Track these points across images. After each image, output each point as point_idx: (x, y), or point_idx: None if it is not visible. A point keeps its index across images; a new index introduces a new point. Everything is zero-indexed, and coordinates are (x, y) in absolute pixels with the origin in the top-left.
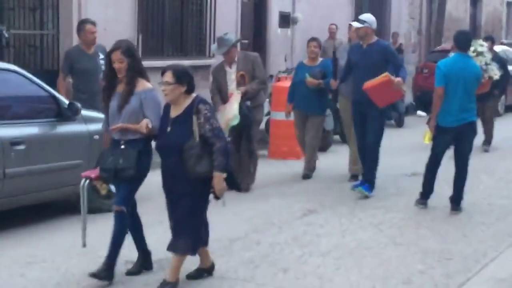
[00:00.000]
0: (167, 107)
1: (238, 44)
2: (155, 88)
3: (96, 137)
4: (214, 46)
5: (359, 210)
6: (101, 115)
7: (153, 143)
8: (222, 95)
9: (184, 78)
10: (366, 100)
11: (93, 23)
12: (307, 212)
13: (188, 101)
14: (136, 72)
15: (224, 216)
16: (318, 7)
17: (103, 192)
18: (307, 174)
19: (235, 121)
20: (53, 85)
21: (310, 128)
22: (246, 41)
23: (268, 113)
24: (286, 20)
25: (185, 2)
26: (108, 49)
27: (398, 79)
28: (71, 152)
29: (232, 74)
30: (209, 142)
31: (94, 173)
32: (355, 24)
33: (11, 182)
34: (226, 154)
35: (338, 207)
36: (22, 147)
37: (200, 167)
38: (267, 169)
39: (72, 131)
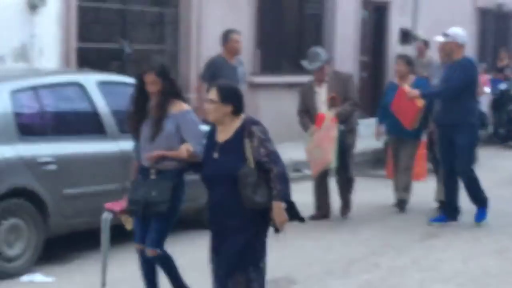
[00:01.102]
0: (212, 132)
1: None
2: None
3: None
4: (305, 62)
5: (483, 235)
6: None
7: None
8: (311, 115)
9: (230, 97)
10: (454, 122)
11: (238, 33)
12: (427, 236)
13: (237, 123)
14: (171, 94)
15: (342, 236)
16: (440, 23)
17: (128, 227)
18: (403, 200)
19: (333, 165)
20: None
21: (405, 154)
22: (365, 59)
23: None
24: (407, 37)
25: (304, 18)
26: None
27: (413, 90)
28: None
29: (322, 95)
30: (265, 168)
31: (118, 205)
32: (438, 39)
33: None
34: (285, 180)
35: (460, 231)
36: None
37: (259, 196)
38: (384, 190)
39: None
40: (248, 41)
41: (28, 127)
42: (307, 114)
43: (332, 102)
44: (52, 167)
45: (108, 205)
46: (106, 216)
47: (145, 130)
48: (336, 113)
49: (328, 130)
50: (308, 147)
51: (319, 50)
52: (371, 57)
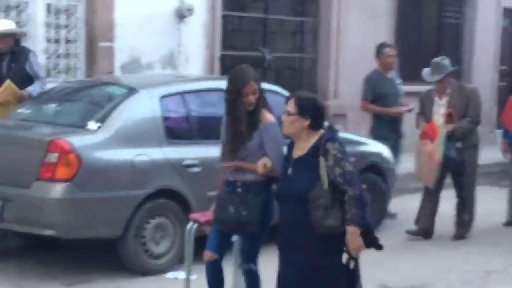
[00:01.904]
0: (291, 146)
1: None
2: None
3: (352, 159)
4: (426, 71)
5: None
6: (358, 138)
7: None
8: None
9: (308, 109)
10: None
11: (391, 47)
12: None
13: (313, 138)
14: (263, 103)
15: (480, 247)
16: None
17: (210, 258)
18: None
19: (431, 186)
20: None
21: None
22: (504, 68)
23: None
24: None
25: (443, 27)
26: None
27: None
28: None
29: (440, 107)
30: (339, 190)
31: (204, 217)
32: None
33: None
34: (361, 204)
35: None
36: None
37: (330, 220)
38: None
39: None
40: None
41: (175, 131)
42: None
43: (449, 119)
44: (196, 169)
45: (193, 215)
46: (191, 227)
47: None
48: (451, 129)
49: (436, 148)
50: (417, 148)
51: (442, 61)
52: (511, 66)
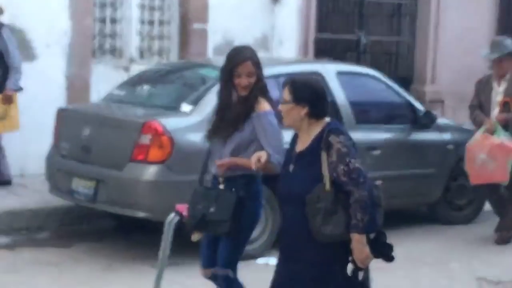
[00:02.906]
0: (294, 140)
1: None
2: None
3: (450, 146)
4: (485, 51)
5: None
6: (456, 125)
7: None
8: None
9: (304, 95)
10: None
11: None
12: None
13: (316, 129)
14: (263, 90)
15: None
16: None
17: (194, 238)
18: None
19: (506, 183)
20: (407, 92)
21: None
22: None
23: None
24: None
25: None
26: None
27: None
28: (424, 160)
29: (498, 94)
30: (344, 191)
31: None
32: None
33: None
34: (368, 208)
35: None
36: (377, 152)
37: (330, 227)
38: None
39: (426, 139)
40: (488, 34)
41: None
42: (480, 109)
43: (505, 108)
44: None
45: (178, 206)
46: (172, 218)
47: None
48: (503, 118)
49: (506, 138)
50: (472, 145)
51: (504, 39)
52: None
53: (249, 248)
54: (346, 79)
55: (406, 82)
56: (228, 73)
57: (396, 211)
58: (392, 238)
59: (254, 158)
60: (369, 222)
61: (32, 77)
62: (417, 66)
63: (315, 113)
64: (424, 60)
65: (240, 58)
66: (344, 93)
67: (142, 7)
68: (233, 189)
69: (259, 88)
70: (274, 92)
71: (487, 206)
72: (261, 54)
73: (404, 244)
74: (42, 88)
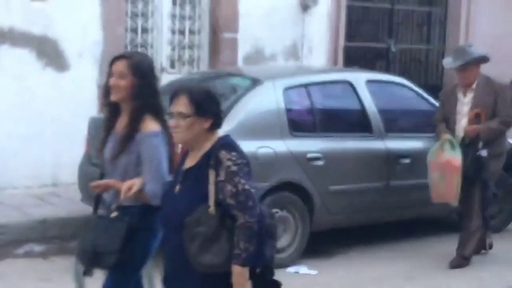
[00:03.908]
0: (184, 158)
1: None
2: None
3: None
4: (448, 59)
5: None
6: None
7: None
8: (450, 130)
9: (208, 107)
10: None
11: None
12: None
13: (208, 144)
14: (146, 103)
15: None
16: None
17: (89, 273)
18: None
19: (455, 204)
20: (437, 99)
21: None
22: None
23: None
24: None
25: None
26: None
27: None
28: None
29: (465, 105)
30: (230, 215)
31: None
32: None
33: (394, 195)
34: (254, 236)
35: None
36: (407, 160)
37: (209, 256)
38: None
39: None
40: None
41: (298, 123)
42: (445, 123)
43: (476, 120)
44: (320, 163)
45: None
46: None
47: (107, 149)
48: (474, 130)
49: (453, 156)
50: (432, 160)
51: (467, 46)
52: None
53: (279, 256)
54: (375, 88)
55: (435, 90)
56: (107, 77)
57: (427, 219)
58: (423, 246)
59: (125, 185)
60: (254, 254)
61: (65, 87)
62: (447, 74)
63: (215, 125)
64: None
65: (116, 57)
66: (373, 101)
67: (173, 16)
68: (126, 218)
69: (145, 104)
70: (304, 101)
71: None
72: (291, 63)
73: (434, 252)
74: (74, 97)
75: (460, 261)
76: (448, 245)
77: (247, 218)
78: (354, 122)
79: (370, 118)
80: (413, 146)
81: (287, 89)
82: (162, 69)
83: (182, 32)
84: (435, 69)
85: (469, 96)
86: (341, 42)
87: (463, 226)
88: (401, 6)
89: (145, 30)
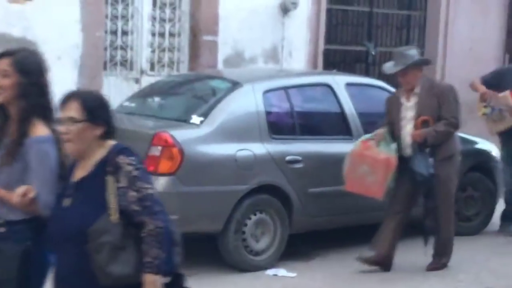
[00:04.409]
0: (71, 169)
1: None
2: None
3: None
4: (389, 63)
5: None
6: (465, 136)
7: None
8: (396, 137)
9: (100, 112)
10: None
11: None
12: None
13: (100, 152)
14: (34, 103)
15: None
16: None
17: None
18: None
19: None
20: None
21: None
22: None
23: None
24: None
25: None
26: None
27: None
28: None
29: (408, 110)
30: (135, 222)
31: None
32: None
33: (365, 199)
34: (165, 242)
35: None
36: None
37: (118, 266)
38: None
39: None
40: (497, 45)
41: (278, 126)
42: (391, 127)
43: (423, 126)
44: (299, 165)
45: None
46: None
47: None
48: (421, 135)
49: (389, 153)
50: (355, 152)
51: (407, 49)
52: None
53: (257, 259)
54: (355, 91)
55: None
56: None
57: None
58: (400, 248)
59: (19, 190)
60: (166, 261)
61: None
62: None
63: (108, 133)
64: (433, 71)
65: (2, 53)
66: (353, 104)
67: (153, 19)
68: (17, 237)
69: (33, 105)
70: (283, 104)
71: (496, 217)
72: (270, 66)
73: (412, 255)
74: (54, 100)
75: (437, 265)
76: (426, 248)
77: (156, 224)
78: (334, 125)
79: (349, 121)
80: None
81: (266, 92)
82: (142, 72)
83: (162, 35)
84: None
85: (413, 100)
86: (321, 45)
87: (436, 231)
88: (381, 10)
89: (125, 33)
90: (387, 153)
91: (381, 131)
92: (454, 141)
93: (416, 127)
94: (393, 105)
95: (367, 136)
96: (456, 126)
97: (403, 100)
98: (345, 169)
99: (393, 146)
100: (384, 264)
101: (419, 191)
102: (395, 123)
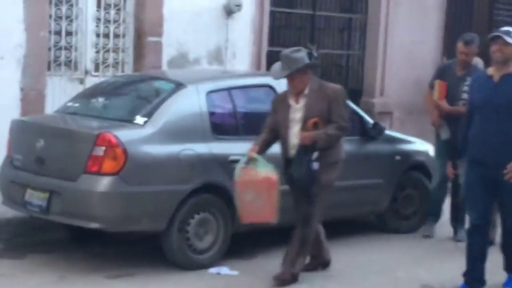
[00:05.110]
0: None
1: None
2: None
3: (398, 157)
4: (275, 66)
5: None
6: (404, 136)
7: None
8: (282, 138)
9: None
10: (501, 163)
11: (467, 43)
12: None
13: None
14: None
15: None
16: None
17: None
18: None
19: (274, 221)
20: (357, 104)
21: None
22: None
23: None
24: None
25: (494, 25)
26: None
27: None
28: (373, 171)
29: (297, 112)
30: None
31: None
32: (507, 39)
33: None
34: None
35: None
36: None
37: None
38: None
39: (375, 150)
40: (435, 48)
41: (221, 126)
42: (274, 133)
43: (314, 128)
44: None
45: None
46: None
47: None
48: (310, 138)
49: (268, 171)
50: (239, 179)
51: (293, 52)
52: None
53: (200, 258)
54: None
55: (356, 94)
56: None
57: (345, 220)
58: (341, 247)
59: None
60: None
61: None
62: (367, 79)
63: None
64: (373, 73)
65: None
66: None
67: (97, 20)
68: None
69: None
70: (227, 105)
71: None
72: (214, 67)
73: (352, 253)
74: None
75: (288, 277)
76: (365, 245)
77: None
78: None
79: None
80: None
81: (210, 92)
82: (87, 72)
83: (106, 35)
84: (355, 74)
85: (302, 102)
86: (264, 46)
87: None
88: (323, 12)
89: (69, 33)
90: (266, 172)
91: (251, 154)
92: (340, 147)
93: (307, 129)
94: (281, 106)
95: (243, 160)
96: (346, 130)
97: (291, 101)
98: (236, 203)
99: (267, 164)
100: (321, 263)
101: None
102: (282, 124)
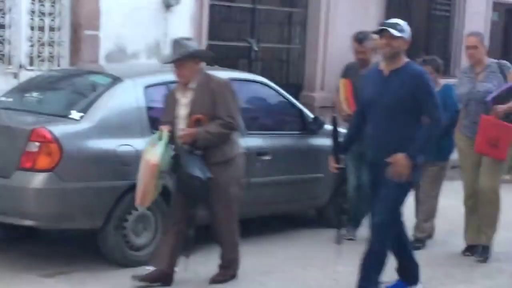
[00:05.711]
0: None
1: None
2: None
3: None
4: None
5: None
6: (344, 130)
7: None
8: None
9: None
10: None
11: (360, 40)
12: None
13: None
14: None
15: None
16: None
17: None
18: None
19: (144, 206)
20: (298, 98)
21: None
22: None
23: None
24: None
25: (432, 19)
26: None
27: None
28: (313, 165)
29: (182, 108)
30: None
31: None
32: (394, 32)
33: (255, 192)
34: None
35: None
36: (267, 157)
37: None
38: None
39: (315, 144)
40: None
41: (159, 121)
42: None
43: (195, 126)
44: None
45: None
46: None
47: None
48: (191, 135)
49: (152, 154)
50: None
51: (184, 40)
52: (499, 59)
53: (138, 254)
54: (236, 86)
55: (296, 88)
56: None
57: (285, 215)
58: (282, 241)
59: None
60: None
61: None
62: (307, 73)
63: None
64: (314, 67)
65: None
66: None
67: (32, 12)
68: None
69: None
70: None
71: None
72: (154, 61)
73: (293, 247)
74: None
75: (225, 277)
76: (305, 240)
77: None
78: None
79: None
80: (273, 143)
81: (147, 87)
82: (21, 66)
83: (41, 29)
84: (296, 68)
85: (189, 97)
86: (204, 41)
87: (218, 241)
88: (263, 6)
89: (2, 26)
90: (153, 154)
91: (164, 128)
92: (232, 144)
93: (189, 126)
94: (170, 100)
95: (154, 136)
96: (232, 127)
97: (178, 96)
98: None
99: (159, 148)
100: (165, 279)
101: (197, 196)
102: (172, 120)
